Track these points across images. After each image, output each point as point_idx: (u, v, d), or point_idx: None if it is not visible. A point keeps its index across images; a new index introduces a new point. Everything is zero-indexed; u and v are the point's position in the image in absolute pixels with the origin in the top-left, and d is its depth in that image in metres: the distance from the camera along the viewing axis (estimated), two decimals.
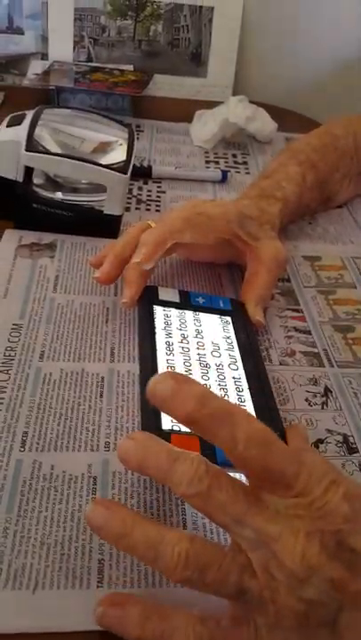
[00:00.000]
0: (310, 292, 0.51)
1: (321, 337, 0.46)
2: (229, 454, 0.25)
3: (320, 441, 0.38)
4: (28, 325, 0.43)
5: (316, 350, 0.45)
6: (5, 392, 0.37)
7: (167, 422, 0.33)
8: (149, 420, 0.33)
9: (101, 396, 0.38)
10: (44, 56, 0.82)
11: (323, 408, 0.40)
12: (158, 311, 0.42)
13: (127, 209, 0.57)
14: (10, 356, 0.40)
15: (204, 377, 0.37)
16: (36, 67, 0.79)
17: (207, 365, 0.38)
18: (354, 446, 0.38)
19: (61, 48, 0.82)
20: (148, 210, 0.59)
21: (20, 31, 0.81)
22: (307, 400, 0.40)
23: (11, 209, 0.51)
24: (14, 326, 0.42)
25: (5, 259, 0.48)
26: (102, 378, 0.39)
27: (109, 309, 0.45)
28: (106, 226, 0.52)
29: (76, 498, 0.32)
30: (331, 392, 0.41)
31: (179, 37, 0.84)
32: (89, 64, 0.82)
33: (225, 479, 0.25)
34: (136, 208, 0.59)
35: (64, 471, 0.33)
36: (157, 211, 0.59)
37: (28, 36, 0.82)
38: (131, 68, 0.82)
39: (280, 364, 0.43)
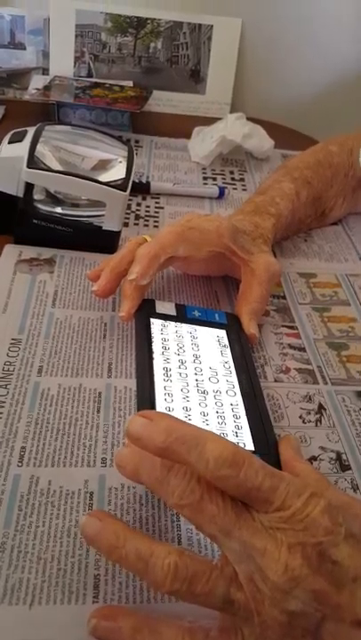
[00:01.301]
0: (305, 309, 0.51)
1: (315, 354, 0.47)
2: (203, 475, 0.25)
3: (314, 458, 0.38)
4: (26, 340, 0.43)
5: (310, 367, 0.45)
6: (4, 407, 0.38)
7: None
8: None
9: (98, 411, 0.39)
10: (45, 71, 0.84)
11: (316, 425, 0.41)
12: (155, 324, 0.43)
13: (126, 224, 0.58)
14: (9, 370, 0.40)
15: (202, 404, 0.37)
16: (37, 81, 0.80)
17: (205, 392, 0.38)
18: (347, 464, 0.38)
19: (62, 63, 0.83)
20: (147, 225, 0.60)
21: (21, 46, 0.83)
22: (301, 417, 0.41)
23: (11, 224, 0.51)
24: (13, 341, 0.43)
25: (5, 274, 0.49)
26: (99, 393, 0.40)
27: (107, 324, 0.46)
28: (105, 241, 0.53)
29: (73, 513, 0.33)
30: (325, 409, 0.42)
31: (178, 54, 0.85)
32: (89, 79, 0.83)
33: (215, 492, 0.26)
34: (134, 223, 0.60)
35: (61, 486, 0.34)
36: (155, 226, 0.60)
37: (30, 52, 0.83)
38: (130, 83, 0.83)
39: (275, 381, 0.44)
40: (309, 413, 0.41)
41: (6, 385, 0.39)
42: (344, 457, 0.39)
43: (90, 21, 0.82)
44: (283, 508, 0.25)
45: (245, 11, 0.83)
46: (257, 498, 0.25)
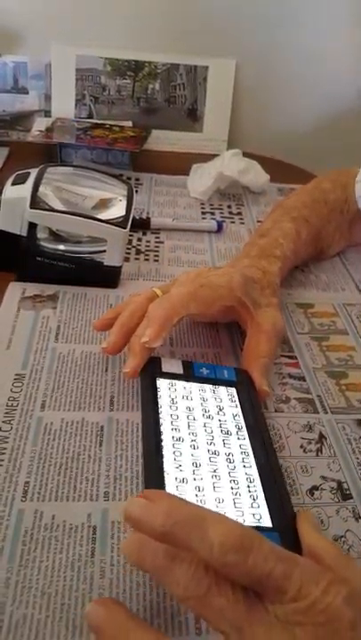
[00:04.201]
0: (304, 339, 0.52)
1: (315, 383, 0.47)
2: (208, 562, 0.23)
3: (315, 488, 0.38)
4: (30, 375, 0.44)
5: (310, 397, 0.46)
6: (8, 442, 0.39)
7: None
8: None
9: (101, 445, 0.39)
10: (48, 113, 0.87)
11: (317, 455, 0.41)
12: (161, 386, 0.41)
13: (127, 259, 0.59)
14: (12, 406, 0.41)
15: (215, 477, 0.35)
16: (39, 123, 0.83)
17: (217, 464, 0.36)
18: (348, 492, 0.38)
19: (64, 106, 0.87)
20: (147, 259, 0.61)
21: (24, 90, 0.86)
22: (302, 447, 0.41)
23: (15, 261, 0.53)
24: (17, 376, 0.44)
25: (9, 311, 0.50)
26: (102, 427, 0.41)
27: (109, 358, 0.46)
28: (106, 276, 0.54)
29: (76, 547, 0.33)
30: (325, 438, 0.42)
31: (175, 95, 0.88)
32: (90, 121, 0.86)
33: (224, 583, 0.24)
34: (135, 258, 0.61)
35: (64, 521, 0.34)
36: (156, 260, 0.61)
37: (32, 95, 0.86)
38: (130, 124, 0.86)
39: (275, 411, 0.44)
40: (310, 443, 0.42)
41: (10, 420, 0.40)
42: (345, 486, 0.39)
43: (90, 65, 0.86)
44: (299, 598, 0.23)
45: (239, 52, 0.87)
46: (268, 586, 0.23)
